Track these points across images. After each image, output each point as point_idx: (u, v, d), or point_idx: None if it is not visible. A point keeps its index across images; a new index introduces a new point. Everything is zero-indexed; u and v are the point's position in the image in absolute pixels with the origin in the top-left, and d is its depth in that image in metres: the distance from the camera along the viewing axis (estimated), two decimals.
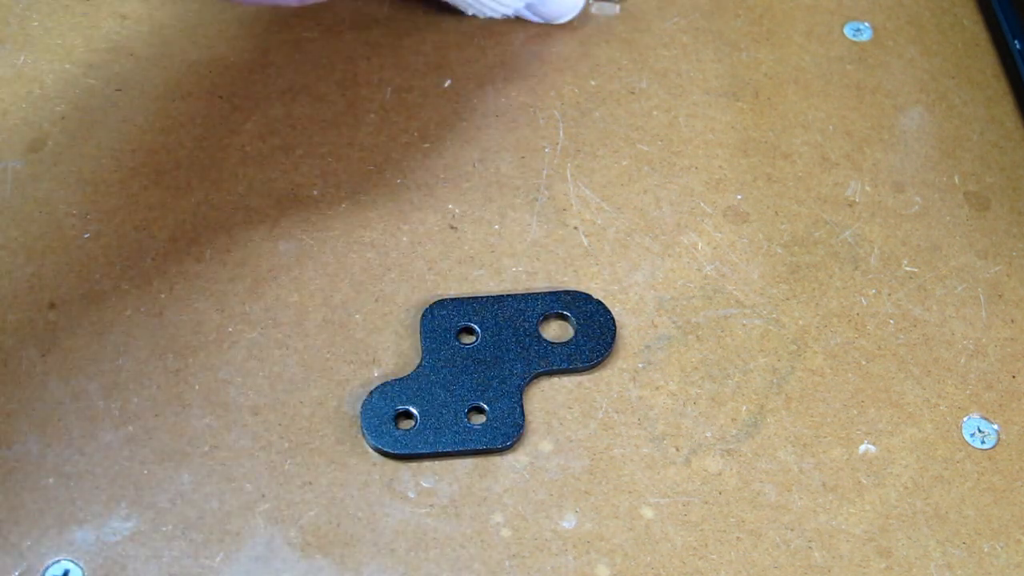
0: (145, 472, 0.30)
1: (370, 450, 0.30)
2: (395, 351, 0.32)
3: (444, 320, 0.32)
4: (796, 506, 0.30)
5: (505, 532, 0.29)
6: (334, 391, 0.31)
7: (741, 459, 0.31)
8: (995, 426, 0.31)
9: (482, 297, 0.33)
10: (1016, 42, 0.39)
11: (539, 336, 0.32)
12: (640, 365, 0.32)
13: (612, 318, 0.33)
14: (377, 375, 0.32)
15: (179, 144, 0.36)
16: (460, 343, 0.32)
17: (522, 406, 0.31)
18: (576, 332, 0.32)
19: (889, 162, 0.37)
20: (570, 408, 0.31)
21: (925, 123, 0.38)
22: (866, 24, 0.41)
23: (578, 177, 0.36)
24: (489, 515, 0.30)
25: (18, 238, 0.34)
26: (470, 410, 0.31)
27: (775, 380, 0.32)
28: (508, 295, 0.33)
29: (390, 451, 0.30)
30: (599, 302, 0.33)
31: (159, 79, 0.38)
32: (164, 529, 0.29)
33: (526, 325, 0.32)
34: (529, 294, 0.33)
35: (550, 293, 0.33)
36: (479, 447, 0.30)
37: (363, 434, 0.30)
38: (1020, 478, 0.31)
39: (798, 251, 0.35)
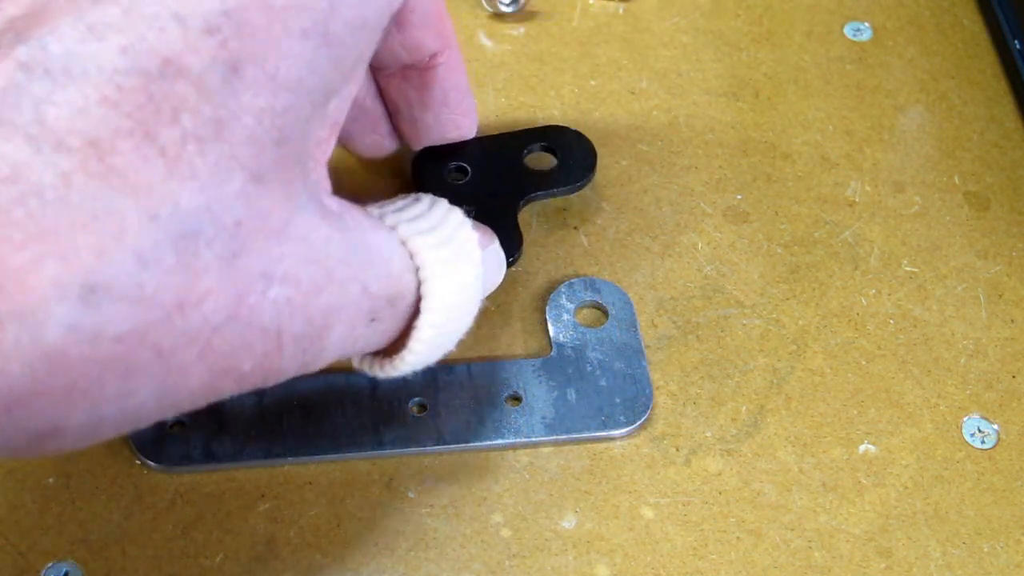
0: (145, 472, 0.30)
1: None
2: None
3: (435, 162, 0.34)
4: (796, 506, 0.30)
5: (505, 532, 0.29)
6: None
7: (741, 459, 0.31)
8: (995, 426, 0.31)
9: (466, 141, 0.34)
10: (1016, 42, 0.39)
11: (525, 166, 0.34)
12: None
13: (591, 145, 0.35)
14: None
15: None
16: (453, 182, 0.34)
17: (518, 223, 0.33)
18: (559, 159, 0.35)
19: (889, 162, 0.37)
20: None
21: (925, 123, 0.38)
22: (866, 24, 0.41)
23: None
24: (489, 515, 0.30)
25: None
26: None
27: (775, 380, 0.32)
28: (491, 135, 0.35)
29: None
30: (578, 132, 0.35)
31: None
32: (164, 529, 0.29)
33: (512, 159, 0.34)
34: (512, 132, 0.35)
35: (532, 129, 0.35)
36: None
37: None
38: (1020, 478, 0.31)
39: (798, 251, 0.35)
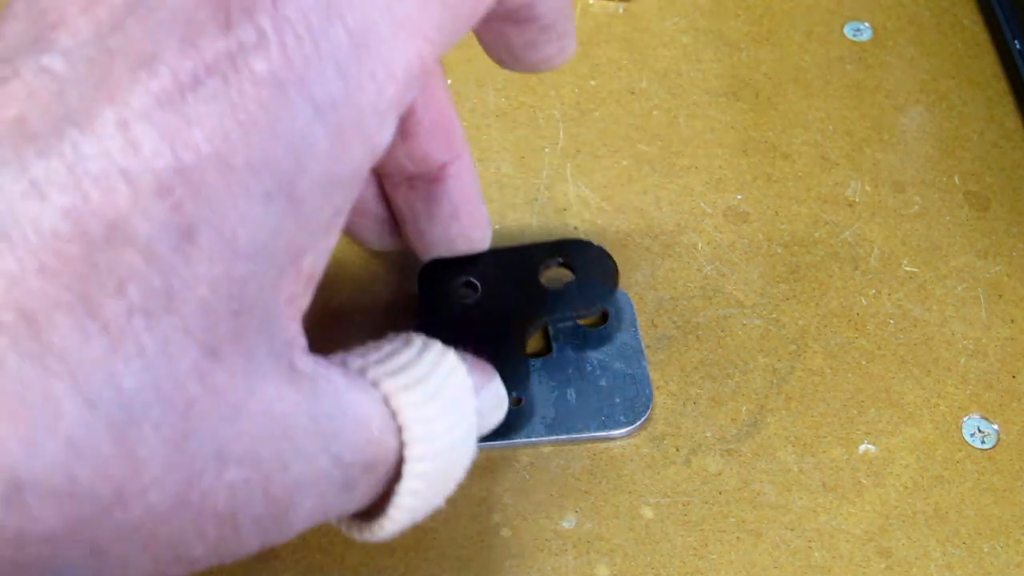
0: None
1: None
2: None
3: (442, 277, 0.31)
4: (796, 506, 0.30)
5: (505, 532, 0.29)
6: None
7: (741, 459, 0.31)
8: (995, 426, 0.31)
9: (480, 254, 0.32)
10: (1016, 42, 0.39)
11: (540, 284, 0.31)
12: None
13: (613, 262, 0.32)
14: None
15: None
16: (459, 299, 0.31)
17: (526, 351, 0.30)
18: (577, 278, 0.32)
19: (889, 162, 0.37)
20: None
21: (925, 123, 0.38)
22: (866, 24, 0.41)
23: (578, 177, 0.36)
24: (489, 515, 0.30)
25: None
26: None
27: (775, 380, 0.32)
28: (506, 248, 0.32)
29: None
30: (599, 248, 0.32)
31: None
32: None
33: (526, 275, 0.32)
34: (528, 245, 0.32)
35: (549, 243, 0.33)
36: None
37: None
38: (1020, 478, 0.31)
39: (798, 251, 0.35)
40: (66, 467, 0.17)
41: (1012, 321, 0.34)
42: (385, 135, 0.21)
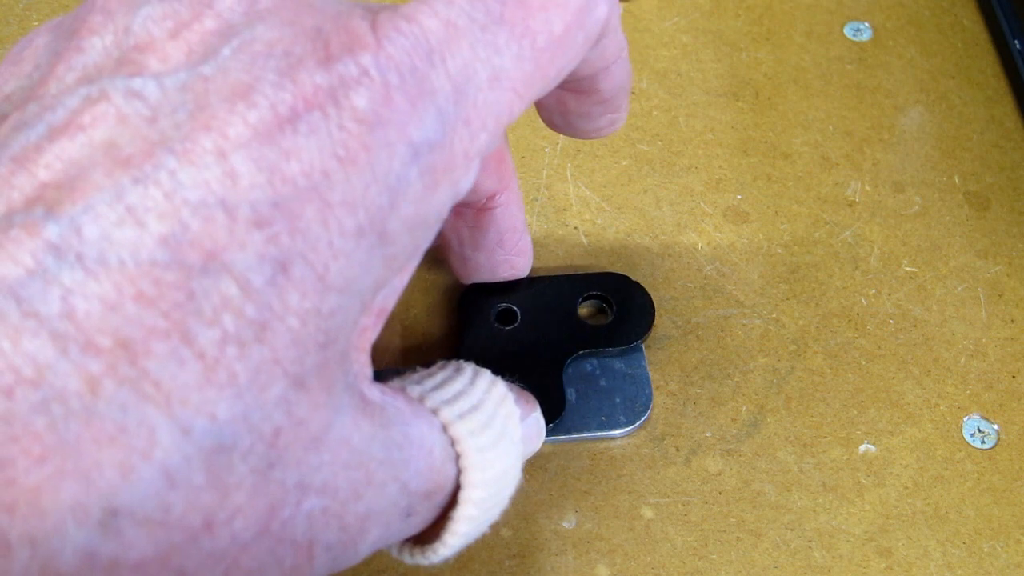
0: None
1: None
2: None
3: (481, 303, 0.32)
4: (796, 506, 0.30)
5: (505, 532, 0.29)
6: None
7: (741, 459, 0.31)
8: (995, 426, 0.31)
9: (518, 280, 0.32)
10: (1016, 42, 0.39)
11: (578, 317, 0.32)
12: None
13: (650, 300, 0.32)
14: None
15: None
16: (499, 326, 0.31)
17: (562, 384, 0.30)
18: (615, 313, 0.32)
19: (889, 162, 0.37)
20: None
21: (925, 123, 0.38)
22: (866, 24, 0.41)
23: (578, 177, 0.36)
24: None
25: None
26: None
27: (775, 380, 0.32)
28: (545, 277, 0.33)
29: None
30: (637, 284, 0.33)
31: None
32: None
33: (565, 306, 0.32)
34: (566, 276, 0.33)
35: (588, 275, 0.33)
36: None
37: None
38: (1020, 478, 0.31)
39: (798, 251, 0.35)
40: (160, 495, 0.17)
41: (1012, 321, 0.34)
42: (470, 180, 0.21)
